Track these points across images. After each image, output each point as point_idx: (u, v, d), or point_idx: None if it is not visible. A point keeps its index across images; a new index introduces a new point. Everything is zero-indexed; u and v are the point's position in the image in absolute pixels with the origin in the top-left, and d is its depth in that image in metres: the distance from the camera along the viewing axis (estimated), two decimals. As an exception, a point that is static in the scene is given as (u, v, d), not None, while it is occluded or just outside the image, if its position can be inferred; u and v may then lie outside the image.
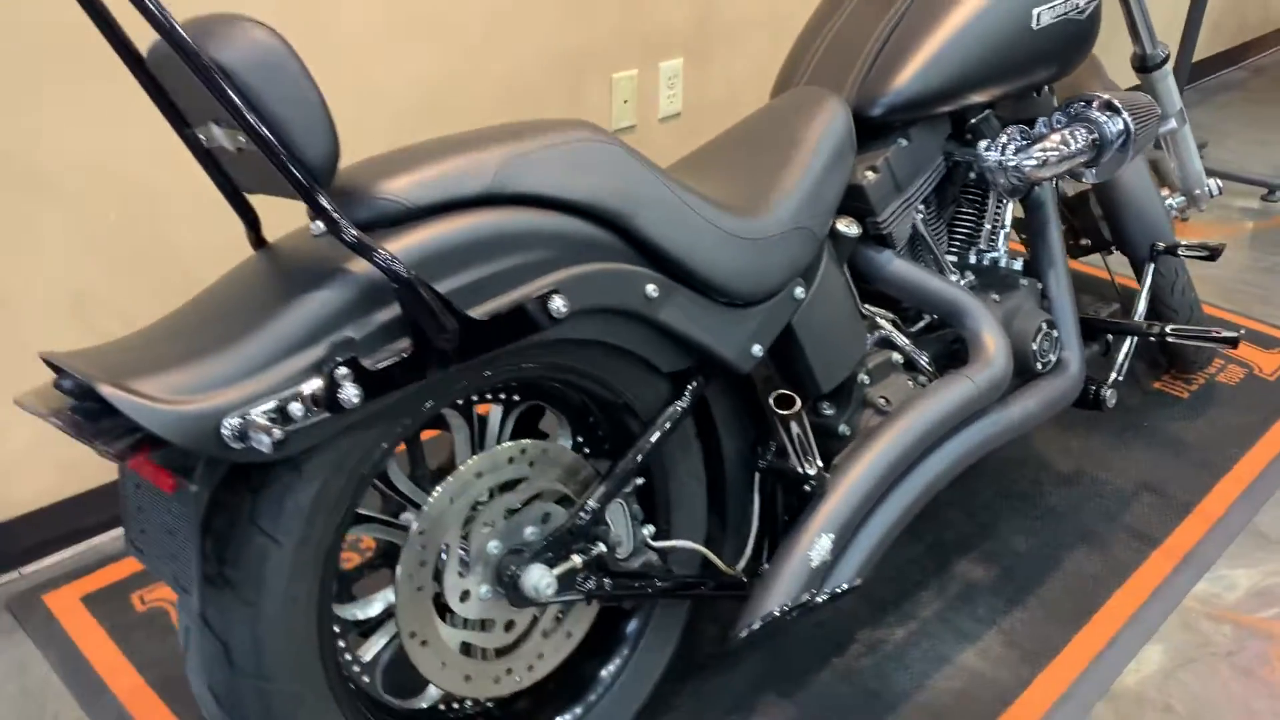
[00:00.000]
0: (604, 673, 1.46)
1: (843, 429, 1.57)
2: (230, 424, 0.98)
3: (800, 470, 1.44)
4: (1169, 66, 2.16)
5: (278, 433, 0.97)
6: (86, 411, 1.03)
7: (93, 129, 1.68)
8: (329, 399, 1.02)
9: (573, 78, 2.29)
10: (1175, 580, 1.86)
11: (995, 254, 1.83)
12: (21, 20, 1.58)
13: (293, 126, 1.01)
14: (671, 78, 2.46)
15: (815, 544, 1.41)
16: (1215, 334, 1.84)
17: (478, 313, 1.11)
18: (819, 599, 1.43)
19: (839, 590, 1.44)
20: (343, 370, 1.03)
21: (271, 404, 1.01)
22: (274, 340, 1.04)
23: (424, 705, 1.38)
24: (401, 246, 1.08)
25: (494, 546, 1.29)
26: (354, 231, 1.02)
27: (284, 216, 1.59)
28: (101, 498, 1.90)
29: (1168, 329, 1.89)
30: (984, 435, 1.62)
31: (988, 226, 1.84)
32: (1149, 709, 1.61)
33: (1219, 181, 2.31)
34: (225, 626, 1.11)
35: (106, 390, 0.95)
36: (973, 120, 1.72)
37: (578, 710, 1.44)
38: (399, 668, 1.32)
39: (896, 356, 1.67)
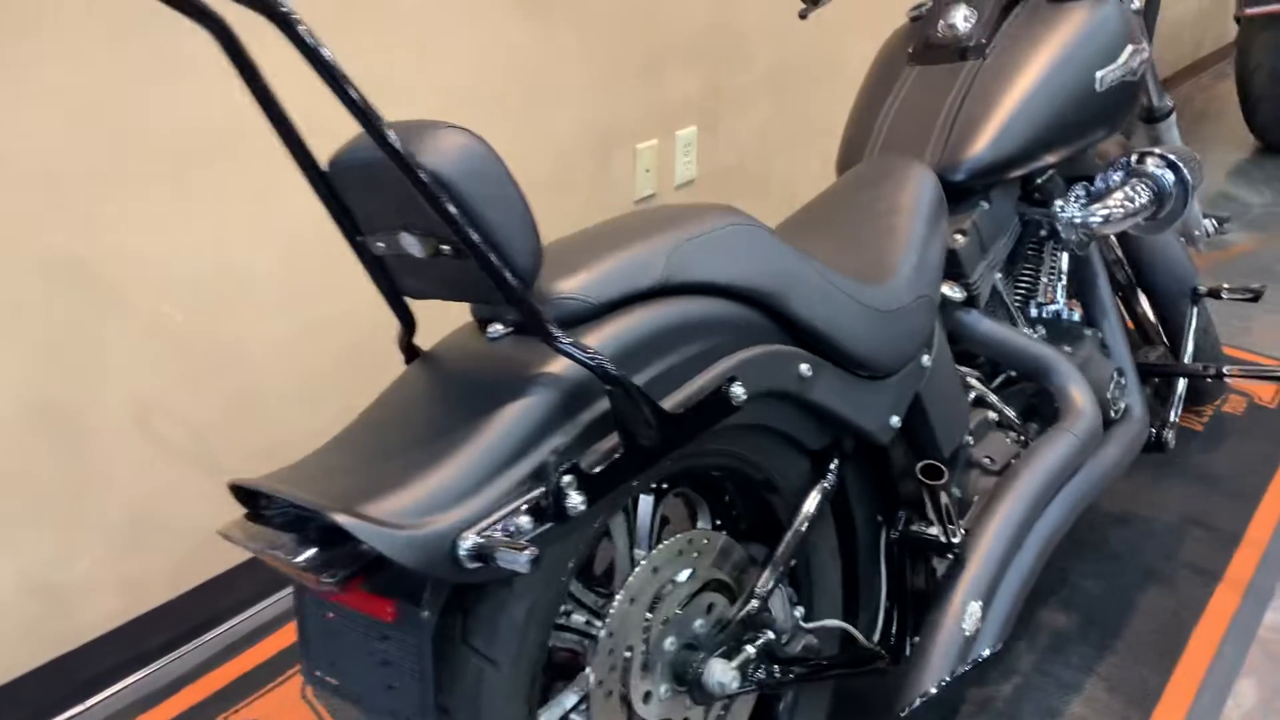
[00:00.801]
0: None
1: (955, 492, 1.59)
2: (466, 544, 0.95)
3: (944, 539, 1.44)
4: (1174, 117, 2.26)
5: (532, 550, 0.94)
6: (298, 541, 0.98)
7: (158, 229, 1.62)
8: (556, 509, 1.00)
9: (602, 149, 2.29)
10: (1245, 611, 1.92)
11: (1056, 306, 1.88)
12: (102, 122, 1.51)
13: (501, 232, 0.99)
14: (687, 145, 2.48)
15: (966, 612, 1.42)
16: (1273, 372, 1.92)
17: (669, 405, 1.10)
18: (969, 666, 1.43)
19: (986, 656, 1.45)
20: (567, 478, 1.00)
21: (500, 519, 0.98)
22: (488, 453, 1.01)
23: None
24: (599, 344, 1.06)
25: (670, 643, 1.27)
26: (562, 335, 1.00)
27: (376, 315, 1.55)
28: (165, 616, 1.81)
29: (1224, 369, 1.96)
30: (1088, 486, 1.66)
31: (1045, 280, 1.89)
32: (1258, 744, 1.66)
33: (1214, 221, 2.43)
34: None
35: (342, 519, 0.91)
36: (1039, 180, 1.78)
37: None
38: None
39: (992, 415, 1.70)
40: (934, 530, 1.46)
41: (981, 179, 1.66)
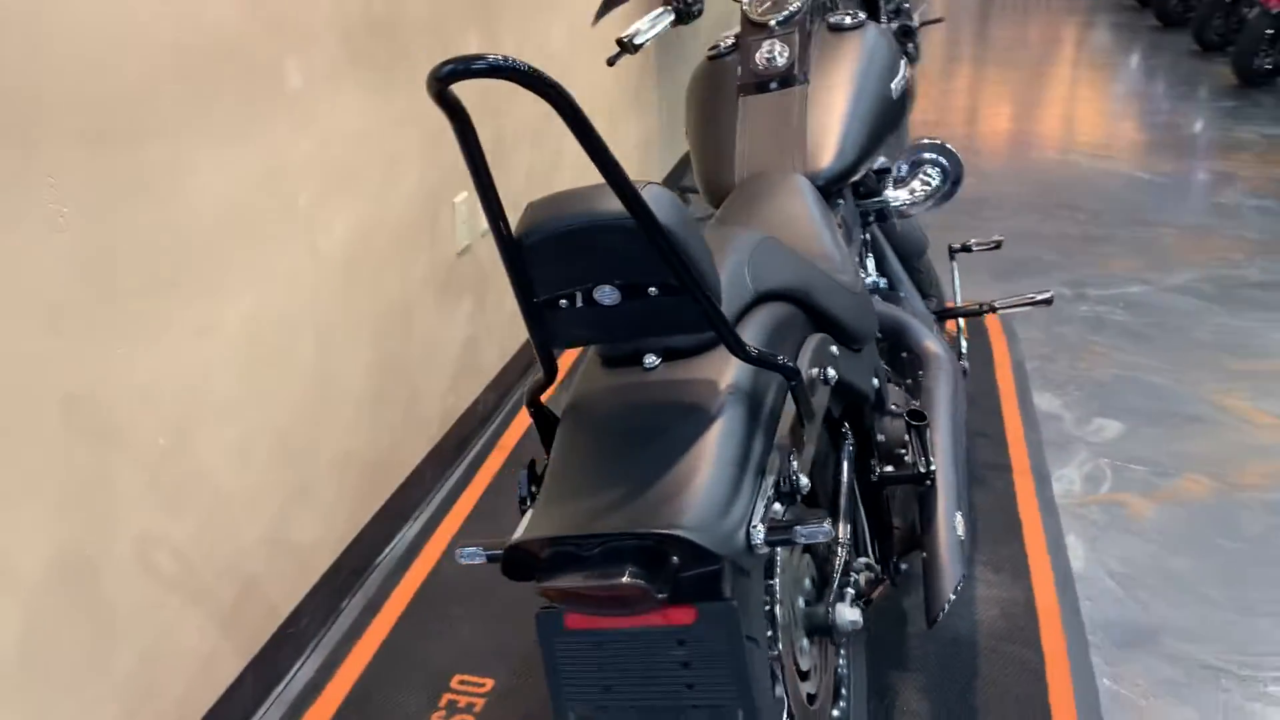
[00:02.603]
0: (843, 669, 1.68)
1: (880, 437, 1.93)
2: (759, 533, 1.12)
3: (924, 469, 1.77)
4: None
5: (829, 521, 1.13)
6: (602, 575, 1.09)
7: (133, 351, 1.51)
8: (793, 489, 1.19)
9: (433, 207, 2.36)
10: (1041, 489, 2.46)
11: (874, 279, 2.29)
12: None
13: (699, 267, 1.17)
14: (484, 193, 2.61)
15: (955, 523, 1.76)
16: (1034, 299, 2.46)
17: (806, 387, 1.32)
18: (969, 566, 1.78)
19: (971, 554, 1.81)
20: (794, 464, 1.20)
21: (763, 510, 1.16)
22: (729, 462, 1.19)
23: None
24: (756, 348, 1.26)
25: (799, 603, 1.47)
26: (753, 346, 1.20)
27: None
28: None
29: (995, 303, 2.48)
30: (964, 413, 2.08)
31: (867, 259, 2.29)
32: (1101, 578, 2.17)
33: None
34: None
35: (680, 531, 1.05)
36: (858, 176, 2.17)
37: (843, 705, 1.64)
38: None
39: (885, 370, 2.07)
40: (906, 466, 1.78)
41: (837, 183, 2.01)
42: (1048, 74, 6.96)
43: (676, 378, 1.28)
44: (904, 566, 1.86)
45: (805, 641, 1.48)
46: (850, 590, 1.54)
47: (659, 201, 1.14)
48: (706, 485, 1.15)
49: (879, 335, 2.15)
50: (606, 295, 1.21)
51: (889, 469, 1.81)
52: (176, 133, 1.54)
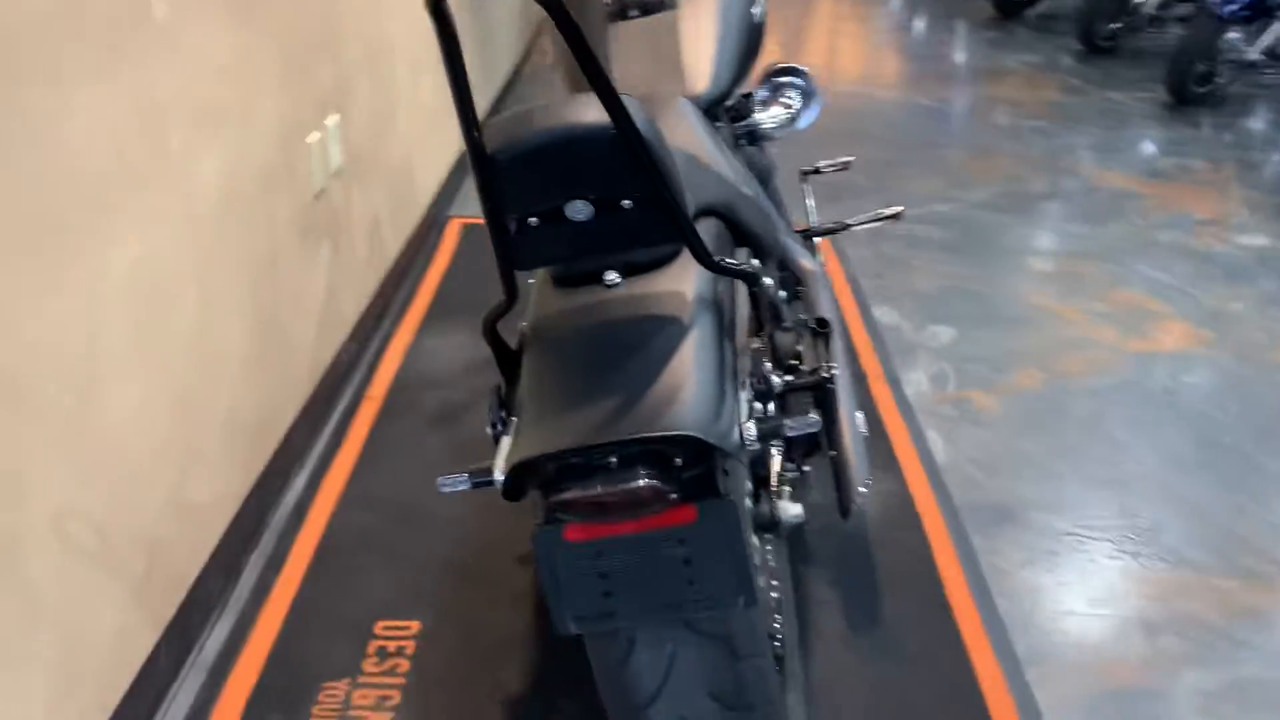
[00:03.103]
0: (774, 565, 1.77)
1: (777, 349, 2.03)
2: (750, 430, 1.18)
3: (828, 374, 1.88)
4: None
5: (816, 415, 1.20)
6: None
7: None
8: (769, 388, 1.26)
9: (291, 146, 2.26)
10: (898, 394, 2.64)
11: None
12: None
13: (671, 177, 1.21)
14: (334, 134, 2.51)
15: (857, 420, 1.87)
16: (884, 214, 2.61)
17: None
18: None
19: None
20: (768, 365, 1.27)
21: (748, 406, 1.22)
22: (711, 366, 1.24)
23: None
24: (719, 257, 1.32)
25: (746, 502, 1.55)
26: (716, 257, 1.26)
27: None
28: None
29: (849, 221, 2.61)
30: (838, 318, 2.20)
31: None
32: (964, 465, 2.37)
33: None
34: (727, 624, 1.25)
35: (695, 431, 1.10)
36: (730, 101, 2.23)
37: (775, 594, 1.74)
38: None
39: None
40: (802, 374, 1.88)
41: (716, 105, 2.07)
42: (816, 11, 7.26)
43: (640, 292, 1.31)
44: (806, 468, 1.97)
45: (755, 540, 1.56)
46: (787, 488, 1.63)
47: (635, 111, 1.16)
48: (696, 390, 1.19)
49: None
50: (579, 211, 1.22)
51: (789, 378, 1.91)
52: (51, 74, 1.41)
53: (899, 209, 2.58)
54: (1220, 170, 4.20)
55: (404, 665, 1.82)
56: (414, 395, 2.60)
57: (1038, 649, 1.87)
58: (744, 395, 1.25)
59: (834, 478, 1.87)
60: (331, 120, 2.49)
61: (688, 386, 1.19)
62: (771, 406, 1.31)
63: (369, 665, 1.81)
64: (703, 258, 1.25)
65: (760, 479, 1.64)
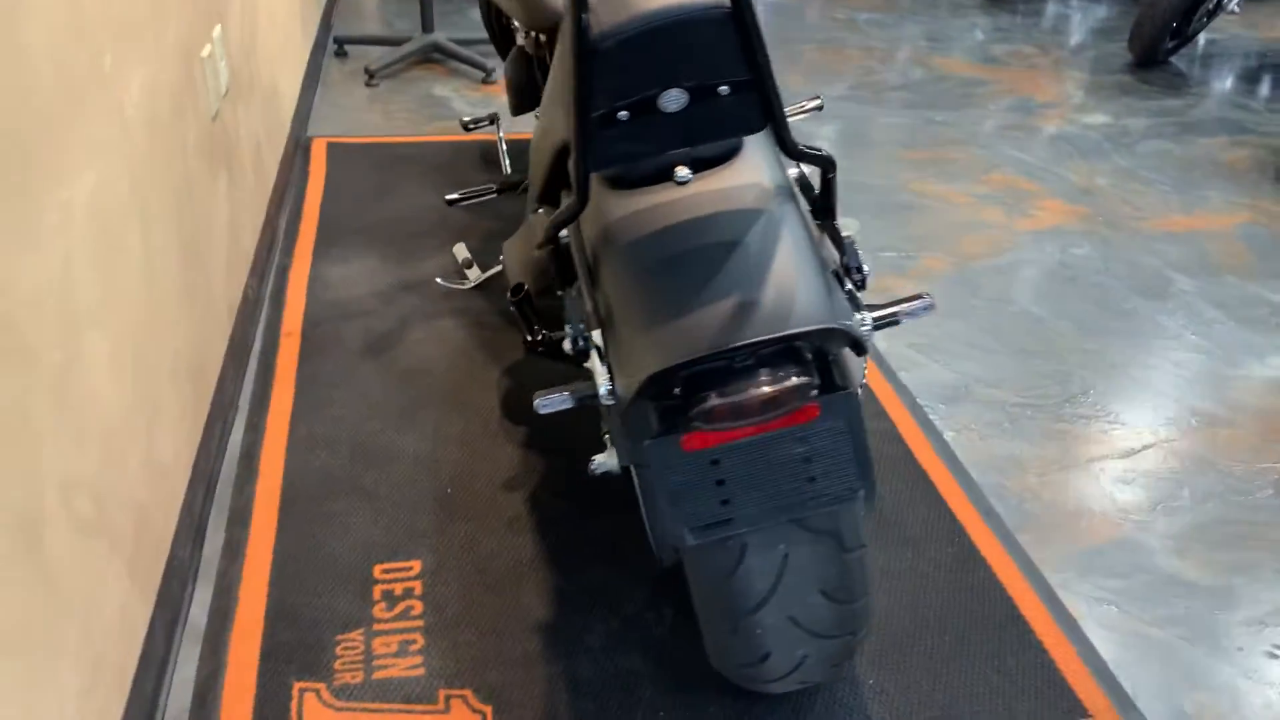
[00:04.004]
0: None
1: None
2: (866, 321, 1.17)
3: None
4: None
5: (928, 295, 1.19)
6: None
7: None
8: (864, 277, 1.26)
9: (189, 63, 2.02)
10: (820, 285, 2.67)
11: None
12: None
13: (770, 63, 1.17)
14: (220, 45, 2.26)
15: None
16: (808, 107, 2.59)
17: None
18: None
19: None
20: (859, 251, 1.26)
21: (848, 298, 1.21)
22: (811, 258, 1.21)
23: None
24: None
25: None
26: (799, 143, 1.23)
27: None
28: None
29: None
30: None
31: None
32: (904, 352, 2.44)
33: None
34: (834, 519, 1.25)
35: (839, 324, 1.08)
36: None
37: None
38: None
39: None
40: None
41: None
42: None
43: (716, 188, 1.25)
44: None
45: None
46: None
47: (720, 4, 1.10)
48: (810, 284, 1.16)
49: None
50: (674, 100, 1.15)
51: None
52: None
53: (818, 100, 2.59)
54: (1048, 54, 4.43)
55: (417, 607, 1.72)
56: (333, 328, 2.43)
57: (1020, 514, 1.97)
58: (842, 284, 1.23)
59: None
60: (217, 31, 2.24)
61: (801, 281, 1.15)
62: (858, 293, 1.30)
63: (380, 611, 1.71)
64: (788, 144, 1.20)
65: None
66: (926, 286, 2.70)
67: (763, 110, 1.17)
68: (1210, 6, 4.06)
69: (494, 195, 2.46)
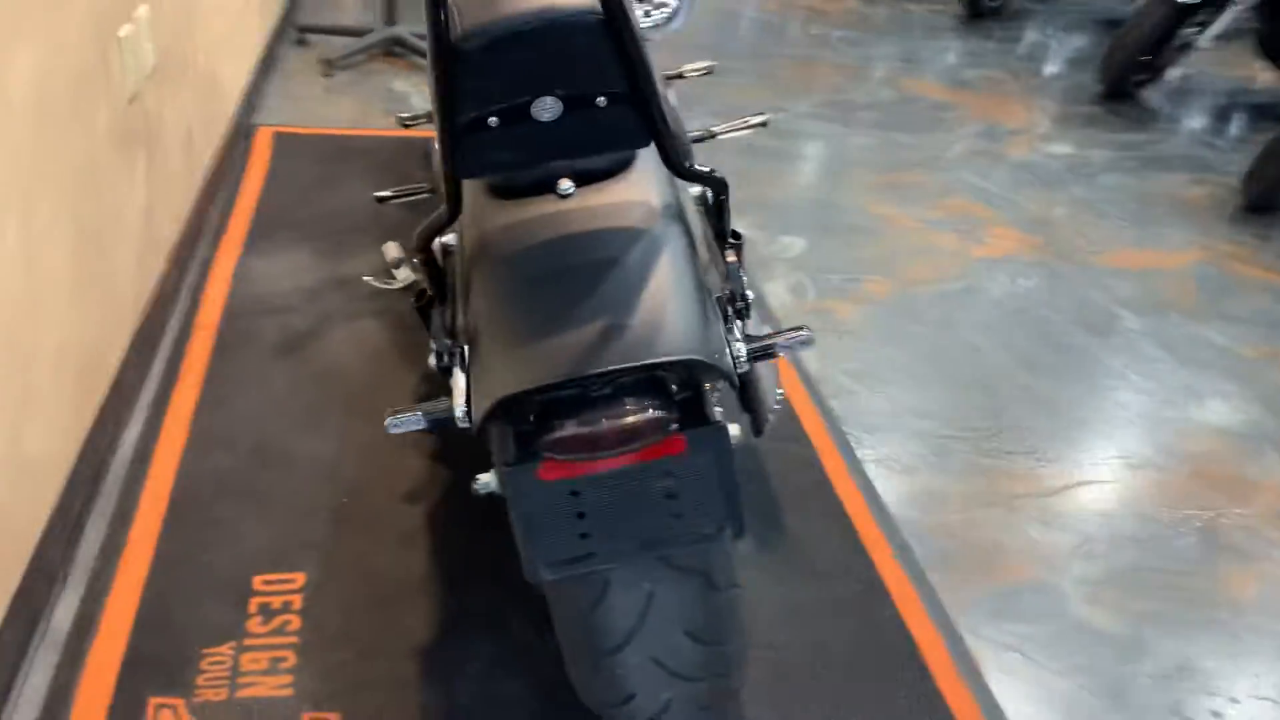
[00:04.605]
0: None
1: None
2: (742, 353, 1.11)
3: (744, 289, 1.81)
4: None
5: (808, 330, 1.13)
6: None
7: None
8: (747, 305, 1.19)
9: (103, 43, 1.95)
10: (761, 308, 2.62)
11: None
12: None
13: (654, 77, 1.11)
14: (146, 26, 2.19)
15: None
16: (750, 122, 2.53)
17: None
18: None
19: None
20: (744, 277, 1.19)
21: (733, 325, 1.15)
22: (684, 278, 1.15)
23: None
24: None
25: None
26: (686, 162, 1.17)
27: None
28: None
29: (714, 129, 2.52)
30: None
31: None
32: (837, 377, 2.39)
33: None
34: (705, 557, 1.19)
35: (699, 356, 1.02)
36: None
37: None
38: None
39: None
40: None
41: None
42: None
43: (599, 203, 1.19)
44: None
45: None
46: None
47: (615, 7, 1.04)
48: (684, 311, 1.10)
49: None
50: (548, 109, 1.09)
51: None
52: None
53: (765, 116, 2.52)
54: (1019, 80, 4.38)
55: (294, 622, 1.65)
56: (250, 323, 2.36)
57: (935, 552, 1.91)
58: (723, 312, 1.17)
59: (744, 397, 1.82)
60: (142, 10, 2.17)
61: (674, 307, 1.09)
62: (742, 324, 1.23)
63: (254, 625, 1.64)
64: (674, 163, 1.14)
65: None
66: (869, 311, 2.65)
67: (645, 125, 1.11)
68: (1181, 42, 4.03)
69: (428, 195, 2.39)
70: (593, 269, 1.13)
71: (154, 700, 1.51)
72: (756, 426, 1.74)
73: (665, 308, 1.08)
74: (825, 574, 1.82)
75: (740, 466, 1.98)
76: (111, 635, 1.61)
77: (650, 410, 1.03)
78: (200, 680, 1.55)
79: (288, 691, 1.54)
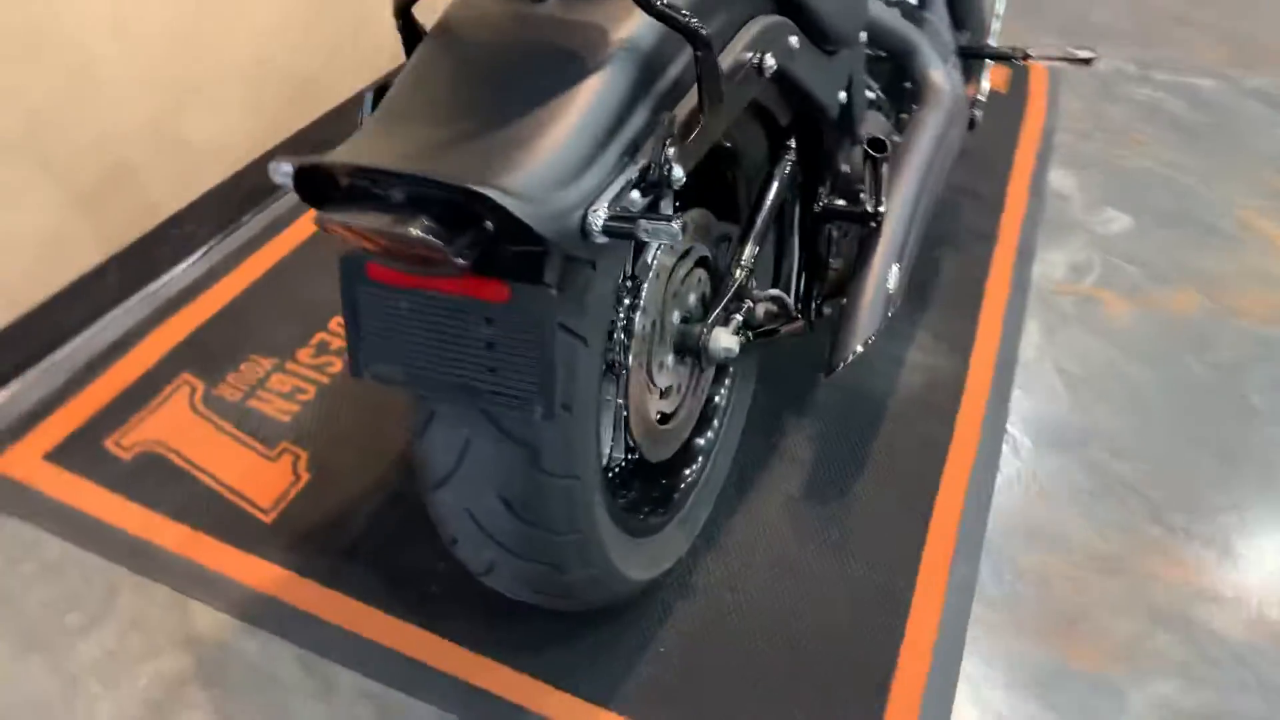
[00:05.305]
0: (720, 400, 1.57)
1: (842, 166, 1.71)
2: (598, 219, 0.94)
3: (872, 209, 1.56)
4: None
5: (681, 218, 0.94)
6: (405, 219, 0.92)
7: None
8: (664, 179, 1.00)
9: None
10: (1021, 269, 2.26)
11: None
12: None
13: None
14: None
15: (889, 274, 1.57)
16: (1074, 55, 2.15)
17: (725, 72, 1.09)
18: (886, 322, 1.61)
19: (894, 311, 1.63)
20: (672, 149, 1.00)
21: (616, 193, 0.97)
22: (592, 126, 0.99)
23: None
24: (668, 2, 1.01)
25: (675, 317, 1.32)
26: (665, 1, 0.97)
27: None
28: (11, 339, 1.58)
29: (1030, 51, 2.17)
30: (949, 159, 1.84)
31: None
32: (1046, 372, 2.02)
33: None
34: (535, 433, 1.08)
35: (491, 191, 0.87)
36: None
37: (715, 428, 1.55)
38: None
39: (870, 95, 1.80)
40: (858, 203, 1.58)
41: None
42: None
43: (568, 17, 1.05)
44: (826, 310, 1.70)
45: (670, 357, 1.34)
46: (738, 317, 1.38)
47: None
48: (554, 148, 0.95)
49: (883, 53, 1.87)
50: None
51: (839, 202, 1.61)
52: None
53: (1090, 53, 2.11)
54: None
55: (336, 366, 1.74)
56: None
57: (1005, 589, 1.60)
58: (629, 177, 1.00)
59: (833, 329, 1.60)
60: None
61: (545, 141, 0.95)
62: (644, 199, 1.04)
63: (304, 354, 1.75)
64: None
65: (717, 296, 1.39)
66: (1146, 320, 2.19)
67: None
68: None
69: None
70: (507, 79, 1.01)
71: (185, 375, 1.68)
72: (828, 361, 1.53)
73: (532, 139, 0.95)
74: (859, 551, 1.59)
75: (841, 410, 1.78)
76: (199, 310, 1.79)
77: (415, 229, 0.92)
78: (230, 377, 1.68)
79: (286, 418, 1.64)
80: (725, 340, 1.33)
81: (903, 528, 1.63)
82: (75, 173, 1.56)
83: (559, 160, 0.95)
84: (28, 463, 1.51)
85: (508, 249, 0.96)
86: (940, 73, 1.82)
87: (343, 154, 0.96)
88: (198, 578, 1.41)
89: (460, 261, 0.91)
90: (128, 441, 1.57)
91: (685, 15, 0.98)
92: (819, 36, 1.36)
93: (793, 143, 1.45)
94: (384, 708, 1.33)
